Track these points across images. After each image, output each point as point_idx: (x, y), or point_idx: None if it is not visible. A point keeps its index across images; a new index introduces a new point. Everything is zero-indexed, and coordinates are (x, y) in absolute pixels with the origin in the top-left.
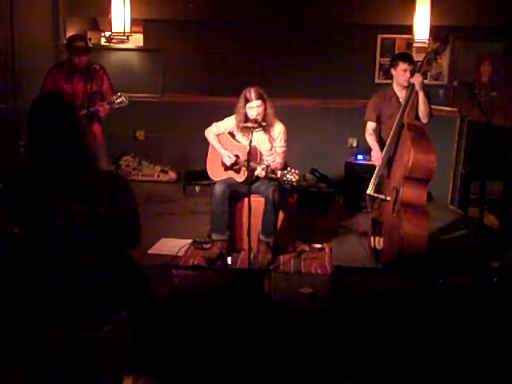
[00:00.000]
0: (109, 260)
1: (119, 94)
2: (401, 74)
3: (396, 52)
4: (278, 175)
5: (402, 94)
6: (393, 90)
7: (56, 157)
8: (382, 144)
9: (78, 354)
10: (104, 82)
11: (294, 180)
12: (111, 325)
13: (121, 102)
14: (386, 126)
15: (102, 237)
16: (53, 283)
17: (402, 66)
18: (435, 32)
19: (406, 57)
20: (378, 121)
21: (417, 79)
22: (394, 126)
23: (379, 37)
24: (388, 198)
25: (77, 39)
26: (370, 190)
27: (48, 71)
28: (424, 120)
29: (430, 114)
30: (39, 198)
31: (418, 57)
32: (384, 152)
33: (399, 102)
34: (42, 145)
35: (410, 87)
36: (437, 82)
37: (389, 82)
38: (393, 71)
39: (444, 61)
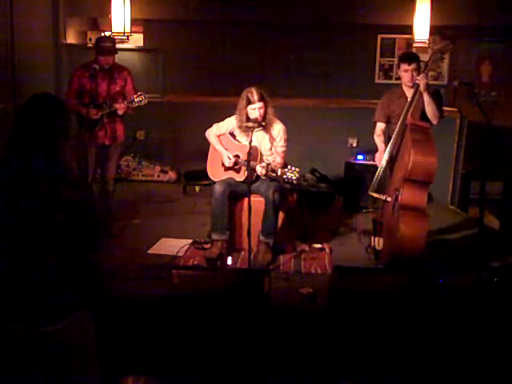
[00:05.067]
0: (59, 262)
1: (139, 93)
2: (403, 74)
3: (396, 52)
4: (279, 173)
5: (409, 93)
6: (402, 89)
7: (27, 155)
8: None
9: (34, 347)
10: (127, 83)
11: (294, 178)
12: (65, 322)
13: (139, 101)
14: (395, 126)
15: (54, 239)
16: (8, 279)
17: (403, 66)
18: (441, 31)
19: (406, 57)
20: (388, 121)
21: (421, 80)
22: (398, 126)
23: (379, 37)
24: (388, 199)
25: (104, 40)
26: (371, 190)
27: (74, 71)
28: (433, 121)
29: (440, 115)
30: (2, 192)
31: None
32: (386, 152)
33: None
34: (20, 140)
35: (415, 87)
36: (437, 82)
37: (389, 82)
38: (398, 72)
39: (444, 61)
